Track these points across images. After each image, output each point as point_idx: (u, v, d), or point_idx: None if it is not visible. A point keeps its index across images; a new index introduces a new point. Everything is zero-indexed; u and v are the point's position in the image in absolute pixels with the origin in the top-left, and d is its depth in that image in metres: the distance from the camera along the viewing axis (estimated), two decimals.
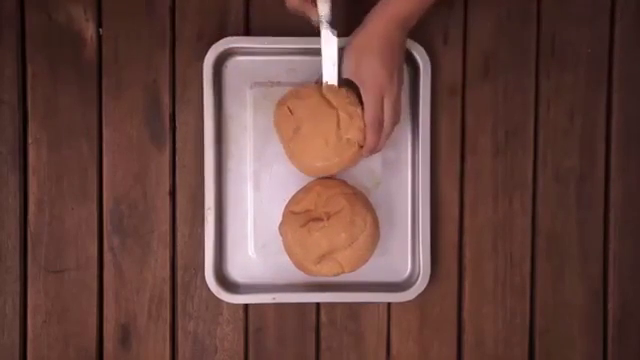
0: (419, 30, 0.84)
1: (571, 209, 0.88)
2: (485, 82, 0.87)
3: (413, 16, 0.76)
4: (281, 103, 0.81)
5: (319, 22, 0.77)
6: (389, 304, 0.87)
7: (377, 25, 0.75)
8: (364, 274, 0.83)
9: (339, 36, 0.79)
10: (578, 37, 0.87)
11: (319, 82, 0.80)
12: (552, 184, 0.88)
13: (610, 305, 0.88)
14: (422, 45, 0.84)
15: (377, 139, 0.78)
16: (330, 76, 0.79)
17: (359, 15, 0.79)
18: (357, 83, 0.77)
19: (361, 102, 0.78)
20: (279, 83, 0.85)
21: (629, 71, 0.88)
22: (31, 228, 0.85)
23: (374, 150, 0.80)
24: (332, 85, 0.79)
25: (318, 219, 0.79)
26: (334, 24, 0.77)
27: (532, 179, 0.88)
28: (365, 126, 0.77)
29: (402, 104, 0.81)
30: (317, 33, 0.83)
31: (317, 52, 0.83)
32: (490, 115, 0.87)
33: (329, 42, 0.78)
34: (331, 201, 0.79)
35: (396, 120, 0.79)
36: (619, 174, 0.88)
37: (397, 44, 0.76)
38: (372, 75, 0.75)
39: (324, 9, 0.76)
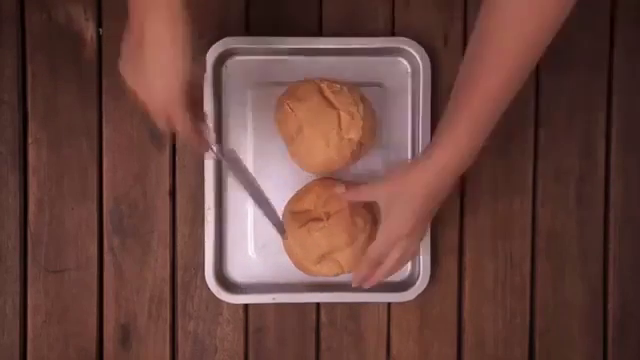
0: (419, 30, 0.84)
1: (571, 209, 0.88)
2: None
3: (467, 164, 0.68)
4: (282, 100, 0.81)
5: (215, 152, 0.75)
6: (389, 304, 0.87)
7: (425, 174, 0.67)
8: None
9: (337, 35, 0.79)
10: (578, 37, 0.87)
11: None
12: (552, 184, 0.88)
13: (610, 305, 0.88)
14: (422, 45, 0.84)
15: (368, 274, 0.75)
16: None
17: (356, 15, 0.80)
18: (382, 213, 0.72)
19: (362, 102, 0.79)
20: (279, 83, 0.85)
21: (629, 71, 0.88)
22: (31, 228, 0.85)
23: (362, 283, 0.76)
24: (333, 84, 0.79)
25: (318, 219, 0.79)
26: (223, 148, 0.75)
27: (532, 179, 0.88)
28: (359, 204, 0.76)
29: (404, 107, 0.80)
30: (318, 33, 0.83)
31: (317, 52, 0.83)
32: None
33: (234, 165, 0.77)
34: (331, 201, 0.79)
35: (397, 270, 0.75)
36: (619, 174, 0.88)
37: (441, 193, 0.70)
38: (399, 221, 0.70)
39: (212, 139, 0.74)
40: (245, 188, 0.79)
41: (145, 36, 0.61)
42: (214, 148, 0.73)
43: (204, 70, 0.69)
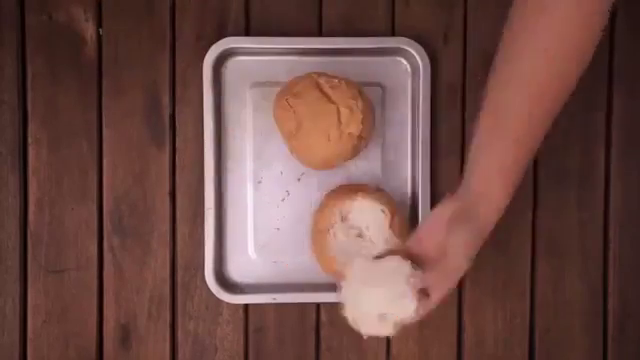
0: (419, 30, 0.84)
1: (571, 209, 0.88)
2: (485, 82, 0.87)
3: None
4: (280, 96, 0.80)
5: None
6: None
7: (491, 184, 0.64)
8: None
9: (337, 35, 0.79)
10: None
11: None
12: (552, 184, 0.88)
13: (610, 305, 0.88)
14: (422, 45, 0.84)
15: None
16: None
17: (356, 15, 0.79)
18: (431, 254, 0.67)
19: (360, 95, 0.78)
20: (279, 83, 0.84)
21: (629, 71, 0.88)
22: (31, 228, 0.85)
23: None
24: (331, 79, 0.79)
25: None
26: None
27: (532, 179, 0.88)
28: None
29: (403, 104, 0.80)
30: (318, 33, 0.83)
31: (317, 52, 0.83)
32: None
33: None
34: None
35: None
36: (619, 175, 0.88)
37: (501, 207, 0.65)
38: (460, 251, 0.65)
39: None
40: None
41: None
42: None
43: None
